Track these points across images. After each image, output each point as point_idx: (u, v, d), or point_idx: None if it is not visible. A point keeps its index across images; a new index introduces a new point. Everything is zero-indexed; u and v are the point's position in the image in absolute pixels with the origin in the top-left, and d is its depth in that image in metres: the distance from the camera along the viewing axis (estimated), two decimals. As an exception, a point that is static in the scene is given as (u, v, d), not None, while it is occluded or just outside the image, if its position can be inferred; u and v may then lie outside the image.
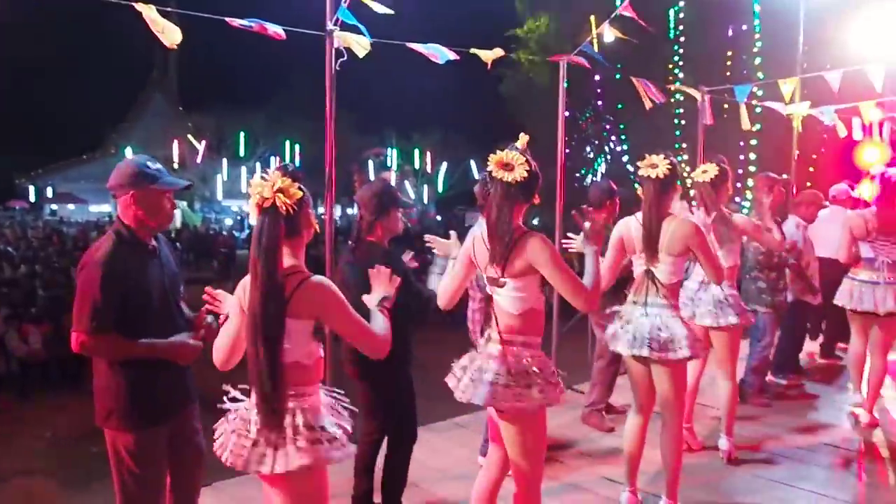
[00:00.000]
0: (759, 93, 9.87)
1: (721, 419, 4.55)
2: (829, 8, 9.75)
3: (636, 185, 3.84)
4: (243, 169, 38.40)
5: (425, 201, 43.10)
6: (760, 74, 19.14)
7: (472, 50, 5.37)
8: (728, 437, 4.52)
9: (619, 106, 24.37)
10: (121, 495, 2.70)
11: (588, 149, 29.34)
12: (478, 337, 3.93)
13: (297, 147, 38.72)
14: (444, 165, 42.21)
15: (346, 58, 4.59)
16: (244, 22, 4.27)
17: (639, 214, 3.63)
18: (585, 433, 5.04)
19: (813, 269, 6.02)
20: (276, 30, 4.39)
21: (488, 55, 5.46)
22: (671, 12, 20.92)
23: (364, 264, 2.99)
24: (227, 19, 4.23)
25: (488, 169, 2.78)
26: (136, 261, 2.69)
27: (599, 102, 23.38)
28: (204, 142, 38.39)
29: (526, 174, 2.72)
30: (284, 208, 2.26)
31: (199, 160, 38.44)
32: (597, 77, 22.14)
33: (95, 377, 2.71)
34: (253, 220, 2.31)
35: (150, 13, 3.68)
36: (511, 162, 2.73)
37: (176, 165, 36.00)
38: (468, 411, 5.10)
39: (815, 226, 6.08)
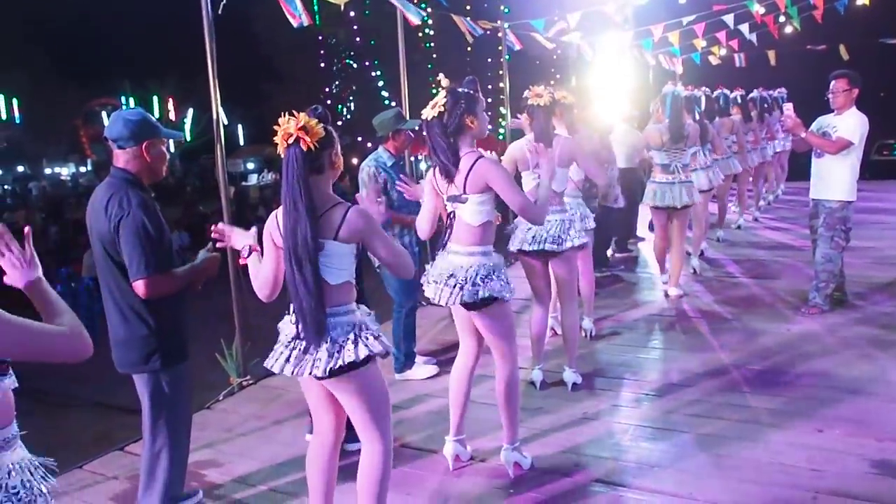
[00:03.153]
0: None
1: (583, 305, 5.48)
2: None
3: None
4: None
5: (171, 151, 40.41)
6: (504, 8, 20.79)
7: (325, -7, 5.57)
8: (590, 318, 5.50)
9: (372, 42, 24.99)
10: (167, 429, 2.86)
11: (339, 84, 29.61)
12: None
13: (14, 102, 33.96)
14: (191, 112, 39.21)
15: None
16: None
17: (529, 136, 4.30)
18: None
19: (615, 179, 7.22)
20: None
21: (338, -3, 5.70)
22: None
23: None
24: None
25: (442, 88, 3.19)
26: (154, 206, 2.81)
27: (357, 39, 23.72)
28: None
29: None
30: (307, 145, 2.50)
31: None
32: (352, 13, 22.41)
33: (120, 329, 2.81)
34: (282, 154, 2.53)
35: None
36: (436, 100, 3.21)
37: None
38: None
39: (613, 142, 7.20)
